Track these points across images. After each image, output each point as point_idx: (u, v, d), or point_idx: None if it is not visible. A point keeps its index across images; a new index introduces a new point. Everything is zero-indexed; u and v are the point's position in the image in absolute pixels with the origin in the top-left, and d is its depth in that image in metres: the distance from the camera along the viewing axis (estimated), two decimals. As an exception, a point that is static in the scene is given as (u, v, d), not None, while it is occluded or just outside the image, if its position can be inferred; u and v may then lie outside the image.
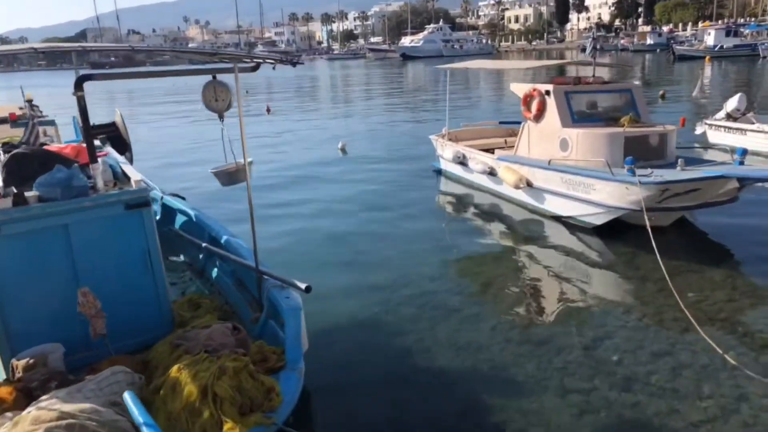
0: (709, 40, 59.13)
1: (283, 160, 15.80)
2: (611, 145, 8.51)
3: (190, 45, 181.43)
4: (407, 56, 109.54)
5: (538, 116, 9.57)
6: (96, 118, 6.99)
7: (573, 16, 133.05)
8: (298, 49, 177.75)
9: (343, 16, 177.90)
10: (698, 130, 15.02)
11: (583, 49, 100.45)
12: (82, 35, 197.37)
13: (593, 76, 9.83)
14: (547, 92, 9.35)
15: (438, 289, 7.31)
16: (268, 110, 28.28)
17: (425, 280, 7.57)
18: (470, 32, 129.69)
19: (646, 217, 7.01)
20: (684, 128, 16.89)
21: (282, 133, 21.49)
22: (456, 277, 7.70)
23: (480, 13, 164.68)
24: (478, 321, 6.42)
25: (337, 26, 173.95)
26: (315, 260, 8.43)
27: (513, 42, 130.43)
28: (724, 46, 56.10)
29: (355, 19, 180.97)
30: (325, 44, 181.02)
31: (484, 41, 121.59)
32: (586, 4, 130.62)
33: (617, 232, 8.56)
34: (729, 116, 14.30)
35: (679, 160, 7.96)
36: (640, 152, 8.54)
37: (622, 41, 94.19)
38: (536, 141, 9.73)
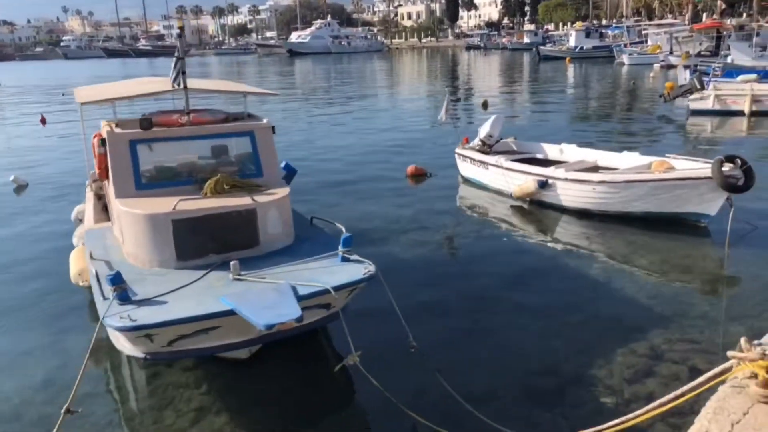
0: (571, 40, 59.83)
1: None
2: (154, 233, 5.55)
3: (65, 38, 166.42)
4: (294, 52, 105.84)
5: (104, 174, 6.51)
6: None
7: (464, 13, 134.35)
8: (187, 44, 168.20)
9: (233, 9, 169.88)
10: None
11: (468, 48, 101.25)
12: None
13: (187, 112, 6.74)
14: (104, 140, 6.28)
15: None
16: (43, 121, 23.69)
17: None
18: (360, 28, 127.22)
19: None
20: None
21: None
22: None
23: (375, 9, 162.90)
24: None
25: (228, 20, 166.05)
26: None
27: (406, 39, 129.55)
28: (584, 47, 56.78)
29: (249, 13, 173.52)
30: (218, 39, 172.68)
31: (374, 38, 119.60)
32: (475, 2, 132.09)
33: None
34: (484, 144, 12.06)
35: (232, 264, 5.14)
36: (215, 241, 5.66)
37: (503, 40, 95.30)
38: (113, 211, 6.67)
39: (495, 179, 10.90)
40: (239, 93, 7.45)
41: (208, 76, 60.88)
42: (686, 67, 25.01)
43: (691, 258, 8.02)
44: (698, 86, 19.77)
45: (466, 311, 6.76)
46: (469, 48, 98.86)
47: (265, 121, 6.91)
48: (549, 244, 8.81)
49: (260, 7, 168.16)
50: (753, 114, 18.35)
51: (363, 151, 16.31)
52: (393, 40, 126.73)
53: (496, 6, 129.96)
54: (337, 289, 4.74)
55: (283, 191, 6.25)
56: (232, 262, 5.17)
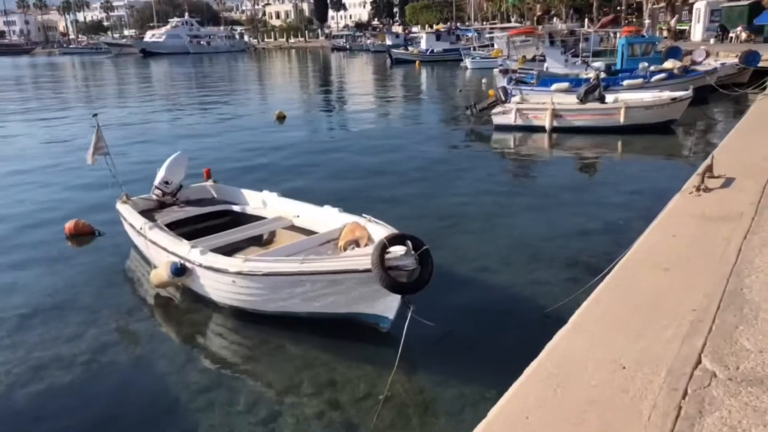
0: (422, 43, 58.73)
1: None
2: None
3: None
4: (148, 52, 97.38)
5: None
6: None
7: (334, 13, 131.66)
8: (29, 42, 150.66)
9: (83, 5, 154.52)
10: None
11: (333, 49, 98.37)
12: None
13: None
14: None
15: None
16: None
17: None
18: (222, 27, 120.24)
19: None
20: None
21: None
22: None
23: (243, 8, 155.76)
24: None
25: (76, 16, 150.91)
26: None
27: (275, 39, 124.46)
28: (435, 51, 55.79)
29: (102, 9, 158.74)
30: (73, 36, 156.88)
31: (238, 37, 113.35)
32: (344, 2, 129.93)
33: None
34: (163, 193, 8.70)
35: None
36: None
37: (368, 41, 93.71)
38: None
39: (147, 251, 7.58)
40: None
41: (60, 80, 52.50)
42: (504, 73, 23.49)
43: (359, 395, 5.17)
44: (502, 98, 17.88)
45: None
46: (334, 49, 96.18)
47: None
48: (177, 375, 5.55)
49: (115, 4, 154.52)
50: (554, 130, 16.62)
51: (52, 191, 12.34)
52: (263, 40, 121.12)
53: (365, 7, 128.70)
54: None
55: None
56: None
